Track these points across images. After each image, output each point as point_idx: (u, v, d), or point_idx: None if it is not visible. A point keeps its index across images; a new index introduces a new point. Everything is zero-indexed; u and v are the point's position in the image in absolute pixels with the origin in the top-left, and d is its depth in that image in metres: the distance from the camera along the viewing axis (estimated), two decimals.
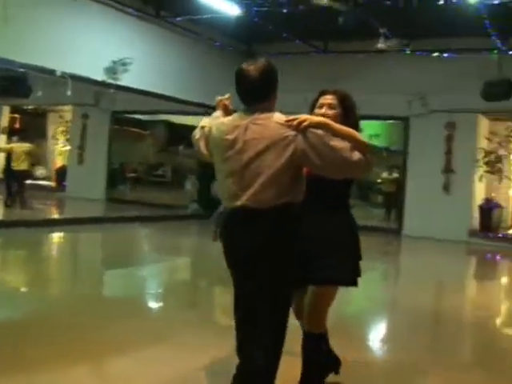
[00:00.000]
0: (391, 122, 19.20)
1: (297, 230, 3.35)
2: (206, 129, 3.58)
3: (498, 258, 13.50)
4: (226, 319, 6.48)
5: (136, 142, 21.24)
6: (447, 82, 14.01)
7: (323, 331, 3.92)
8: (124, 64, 12.45)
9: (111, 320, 5.92)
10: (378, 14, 11.86)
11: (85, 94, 16.44)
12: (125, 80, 12.70)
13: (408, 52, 14.00)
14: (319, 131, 3.20)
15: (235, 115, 3.40)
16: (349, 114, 3.77)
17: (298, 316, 3.95)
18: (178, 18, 13.57)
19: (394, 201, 16.60)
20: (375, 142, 24.27)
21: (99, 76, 12.32)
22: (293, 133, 3.17)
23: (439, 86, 14.11)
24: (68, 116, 20.98)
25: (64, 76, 11.44)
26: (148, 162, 21.60)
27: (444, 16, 12.00)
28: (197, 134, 3.70)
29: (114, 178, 19.39)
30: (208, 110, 16.14)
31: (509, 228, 15.69)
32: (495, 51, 13.23)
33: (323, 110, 3.76)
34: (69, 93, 11.58)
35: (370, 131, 23.41)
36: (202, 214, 16.20)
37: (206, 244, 12.27)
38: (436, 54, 14.06)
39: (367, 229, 16.15)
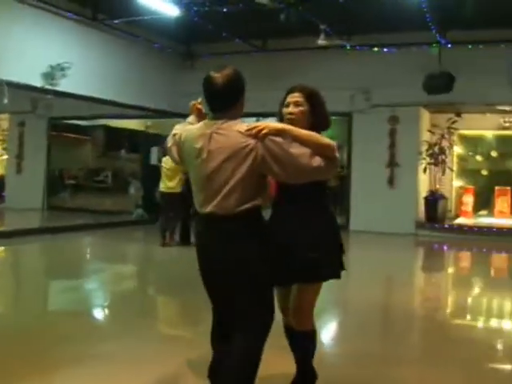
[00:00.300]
0: (334, 118, 19.22)
1: (264, 232, 3.49)
2: (177, 136, 3.64)
3: (445, 248, 13.67)
4: (174, 330, 6.38)
5: (75, 147, 20.72)
6: (389, 76, 14.09)
7: (313, 328, 3.92)
8: (62, 69, 12.07)
9: (52, 336, 5.66)
10: (318, 11, 11.81)
11: (21, 101, 15.92)
12: (63, 85, 12.32)
13: (348, 48, 14.01)
14: (278, 138, 3.27)
15: (202, 123, 3.51)
16: (316, 110, 3.75)
17: (285, 314, 3.94)
18: (116, 21, 13.25)
19: (340, 196, 16.65)
20: None
21: (37, 82, 11.92)
22: (253, 141, 3.25)
23: (381, 80, 14.18)
24: (4, 124, 20.34)
25: (0, 83, 11.03)
26: (88, 168, 21.11)
27: (384, 10, 12.05)
28: (169, 141, 3.75)
29: (54, 185, 18.89)
30: (148, 112, 15.96)
31: (454, 218, 15.91)
32: (435, 45, 13.37)
33: (290, 109, 3.74)
34: (5, 101, 11.19)
35: None
36: (147, 220, 15.95)
37: (153, 250, 12.07)
38: (376, 49, 14.14)
39: None
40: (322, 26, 12.27)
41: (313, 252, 3.67)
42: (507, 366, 5.37)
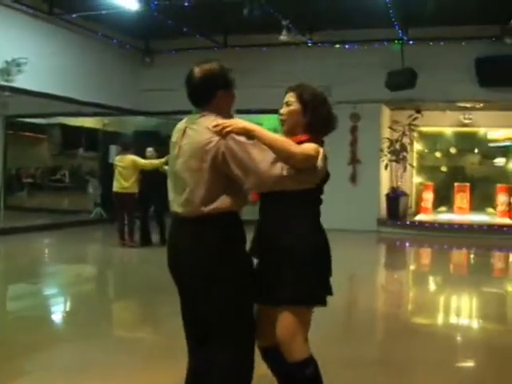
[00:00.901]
0: None
1: (236, 239, 3.20)
2: None
3: (407, 245, 13.73)
4: (133, 335, 6.20)
5: (32, 146, 20.37)
6: (351, 73, 14.05)
7: (308, 356, 3.29)
8: (18, 65, 11.73)
9: (5, 345, 5.38)
10: (280, 6, 11.71)
11: None
12: (19, 82, 11.98)
13: (310, 44, 13.95)
14: (242, 138, 3.04)
15: (185, 118, 3.33)
16: (308, 110, 3.36)
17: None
18: (74, 15, 12.90)
19: None
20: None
21: None
22: (217, 138, 3.05)
23: (343, 77, 14.13)
24: None
25: None
26: (45, 167, 20.75)
27: (346, 7, 12.05)
28: None
29: (11, 184, 18.49)
30: (106, 110, 15.67)
31: (414, 215, 16.00)
32: (398, 41, 13.39)
33: (281, 109, 3.47)
34: None
35: (269, 125, 23.55)
36: (106, 219, 15.68)
37: (112, 251, 11.79)
38: (338, 46, 14.12)
39: None
40: (284, 22, 12.19)
41: (289, 269, 3.22)
42: (470, 364, 5.36)
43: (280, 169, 2.98)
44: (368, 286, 8.98)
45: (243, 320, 3.18)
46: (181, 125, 3.27)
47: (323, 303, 3.32)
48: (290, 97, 3.41)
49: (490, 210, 16.54)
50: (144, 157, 11.58)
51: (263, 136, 3.05)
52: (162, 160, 11.04)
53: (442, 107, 15.36)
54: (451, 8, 11.90)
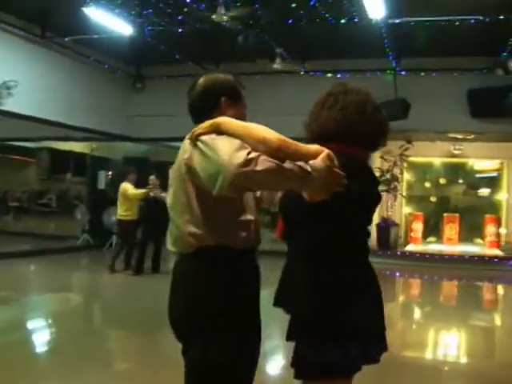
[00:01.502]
0: None
1: (229, 285, 2.57)
2: None
3: (397, 275, 13.62)
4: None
5: (20, 169, 20.25)
6: None
7: None
8: (8, 87, 11.63)
9: None
10: (274, 35, 11.71)
11: None
12: (9, 105, 11.86)
13: (302, 73, 13.95)
14: (208, 136, 2.44)
15: None
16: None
17: None
18: (66, 39, 12.83)
19: None
20: None
21: None
22: (189, 147, 2.52)
23: None
24: None
25: None
26: (32, 191, 20.59)
27: (338, 37, 12.04)
28: None
29: None
30: (96, 135, 15.54)
31: (404, 245, 15.94)
32: (390, 71, 13.43)
33: None
34: None
35: None
36: (94, 245, 15.49)
37: (100, 278, 11.57)
38: (330, 75, 14.12)
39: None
40: (278, 50, 12.18)
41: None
42: None
43: (244, 155, 2.22)
44: None
45: None
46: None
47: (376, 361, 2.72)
48: None
49: (479, 240, 16.54)
50: (147, 184, 11.61)
51: (231, 125, 2.46)
52: (143, 191, 11.37)
53: (433, 138, 15.39)
54: (444, 40, 11.95)
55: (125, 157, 16.82)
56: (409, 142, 14.92)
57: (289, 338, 2.60)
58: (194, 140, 2.47)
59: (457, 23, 10.70)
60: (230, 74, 2.95)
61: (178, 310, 2.64)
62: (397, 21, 10.57)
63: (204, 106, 2.79)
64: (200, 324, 2.54)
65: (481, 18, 10.39)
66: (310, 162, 2.32)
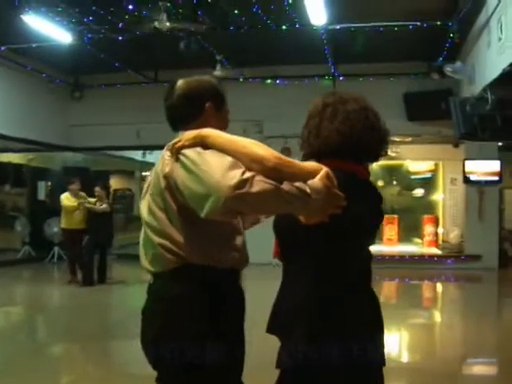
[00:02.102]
0: None
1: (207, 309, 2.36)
2: None
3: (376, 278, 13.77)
4: None
5: None
6: (282, 108, 14.18)
7: None
8: None
9: None
10: (214, 41, 11.76)
11: None
12: None
13: (242, 80, 14.04)
14: (193, 150, 2.21)
15: None
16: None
17: None
18: (2, 48, 12.58)
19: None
20: None
21: None
22: (170, 160, 2.31)
23: (275, 112, 14.25)
24: None
25: None
26: None
27: (277, 43, 12.15)
28: None
29: None
30: (34, 145, 15.28)
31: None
32: (329, 77, 13.64)
33: None
34: None
35: None
36: (36, 257, 15.22)
37: (45, 291, 11.34)
38: (269, 81, 14.27)
39: None
40: (219, 57, 12.23)
41: None
42: None
43: (238, 175, 1.99)
44: None
45: None
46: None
47: None
48: None
49: (418, 240, 16.92)
50: (92, 194, 11.66)
51: (220, 139, 2.22)
52: (75, 203, 11.41)
53: None
54: (382, 45, 12.22)
55: (65, 167, 16.59)
56: None
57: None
58: (176, 153, 2.25)
59: (395, 29, 10.95)
60: (211, 76, 2.82)
61: (155, 335, 2.39)
62: (337, 27, 10.74)
63: (186, 113, 2.57)
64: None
65: (418, 23, 10.68)
66: (309, 182, 2.09)
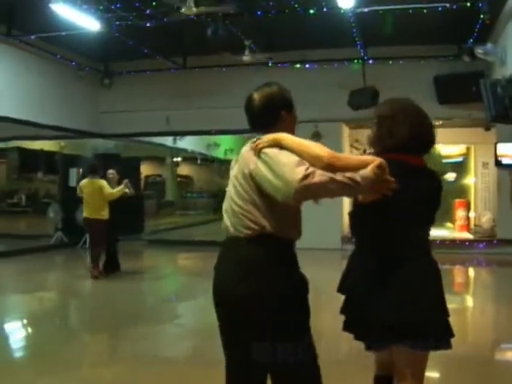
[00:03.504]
0: (248, 135, 19.31)
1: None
2: None
3: None
4: None
5: None
6: (312, 92, 14.11)
7: None
8: None
9: None
10: (242, 27, 11.73)
11: None
12: None
13: (271, 64, 14.01)
14: (271, 150, 2.87)
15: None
16: (387, 131, 3.28)
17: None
18: (32, 37, 12.72)
19: None
20: (230, 156, 24.54)
21: None
22: (254, 158, 2.96)
23: (304, 96, 14.14)
24: None
25: None
26: (2, 191, 20.41)
27: (307, 27, 12.10)
28: None
29: None
30: (65, 133, 15.46)
31: None
32: (358, 60, 13.53)
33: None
34: None
35: (227, 146, 23.59)
36: (68, 243, 15.43)
37: (76, 278, 11.36)
38: (298, 66, 14.22)
39: None
40: (247, 42, 12.20)
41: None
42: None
43: (302, 171, 2.66)
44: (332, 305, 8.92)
45: None
46: (244, 148, 3.15)
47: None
48: (374, 119, 3.41)
49: (449, 224, 16.80)
50: (105, 179, 11.00)
51: (291, 142, 2.89)
52: (121, 187, 10.75)
53: None
54: (411, 28, 12.09)
55: (96, 153, 16.76)
56: None
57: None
58: (258, 152, 2.91)
59: (424, 11, 10.82)
60: (277, 83, 3.35)
61: (248, 294, 2.89)
62: (365, 10, 10.65)
63: (267, 122, 3.14)
64: (273, 308, 2.89)
65: (447, 5, 10.53)
66: (361, 171, 2.77)
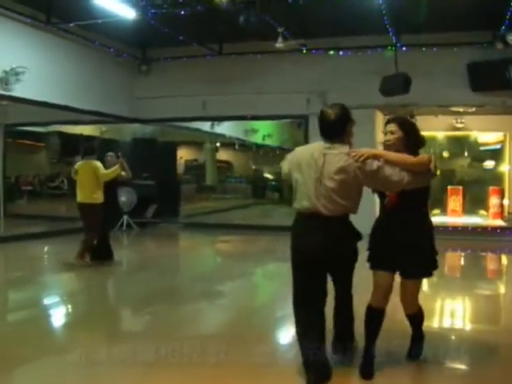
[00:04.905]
0: (285, 121, 19.54)
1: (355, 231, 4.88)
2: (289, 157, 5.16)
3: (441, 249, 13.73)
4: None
5: (30, 154, 20.55)
6: (345, 79, 14.21)
7: (419, 309, 5.17)
8: (16, 74, 11.93)
9: None
10: (275, 14, 11.86)
11: None
12: (18, 90, 12.16)
13: (305, 51, 14.12)
14: (375, 163, 4.52)
15: (318, 143, 4.77)
16: (408, 135, 4.84)
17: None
18: (71, 24, 13.07)
19: None
20: (268, 142, 24.68)
21: None
22: (353, 162, 4.52)
23: (337, 83, 14.27)
24: None
25: None
26: (44, 174, 20.89)
27: (339, 14, 12.18)
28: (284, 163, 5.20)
29: (11, 192, 18.59)
30: (104, 118, 15.80)
31: None
32: (391, 47, 13.55)
33: (386, 137, 4.87)
34: None
35: (264, 131, 23.72)
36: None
37: (117, 256, 11.63)
38: (332, 52, 14.31)
39: (272, 229, 16.26)
40: (280, 29, 12.32)
41: (415, 254, 4.80)
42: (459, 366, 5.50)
43: (404, 175, 4.54)
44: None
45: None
46: (315, 149, 4.70)
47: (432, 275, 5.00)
48: (393, 127, 4.84)
49: (483, 212, 16.75)
50: (103, 162, 10.53)
51: (388, 156, 4.61)
52: (116, 168, 10.35)
53: (435, 112, 15.53)
54: (443, 14, 12.05)
55: (133, 138, 17.10)
56: (411, 116, 15.00)
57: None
58: (361, 162, 4.49)
59: None
60: (343, 105, 4.70)
61: (341, 251, 4.73)
62: None
63: (337, 133, 4.64)
64: (355, 252, 4.85)
65: None
66: (431, 167, 4.64)
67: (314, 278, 4.75)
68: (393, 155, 4.59)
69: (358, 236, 4.78)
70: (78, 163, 10.39)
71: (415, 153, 4.73)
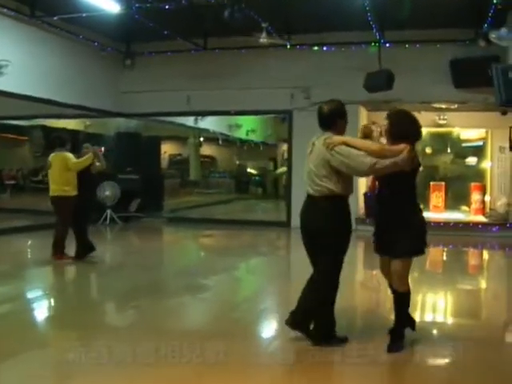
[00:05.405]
0: (269, 116, 19.59)
1: (339, 210, 5.43)
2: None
3: None
4: None
5: (14, 148, 20.46)
6: (329, 74, 14.28)
7: (407, 290, 5.44)
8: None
9: None
10: (259, 9, 11.89)
11: None
12: (1, 84, 12.09)
13: (289, 47, 14.17)
14: (343, 147, 5.14)
15: (318, 134, 5.48)
16: (391, 125, 5.30)
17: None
18: (55, 18, 13.01)
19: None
20: (252, 137, 24.73)
21: None
22: (327, 152, 5.22)
23: (321, 79, 14.35)
24: None
25: None
26: (27, 168, 20.81)
27: (323, 10, 12.25)
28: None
29: None
30: (88, 112, 15.76)
31: None
32: (375, 44, 13.62)
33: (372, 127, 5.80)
34: None
35: (248, 127, 23.76)
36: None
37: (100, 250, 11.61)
38: (316, 48, 14.36)
39: (255, 223, 16.34)
40: (264, 24, 12.35)
41: (402, 233, 5.21)
42: (443, 361, 5.56)
43: (370, 158, 5.05)
44: (349, 285, 9.10)
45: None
46: (314, 139, 5.44)
47: (423, 253, 5.43)
48: (385, 118, 5.38)
49: (465, 208, 16.88)
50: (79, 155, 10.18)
51: (354, 142, 5.19)
52: (88, 156, 9.99)
53: (418, 108, 15.57)
54: (427, 11, 12.17)
55: (117, 132, 17.07)
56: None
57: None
58: (331, 149, 5.15)
59: None
60: (338, 100, 5.54)
61: (319, 227, 5.31)
62: None
63: (329, 124, 5.41)
64: (335, 233, 5.31)
65: None
66: (400, 156, 5.04)
67: (309, 252, 5.54)
68: (358, 142, 5.24)
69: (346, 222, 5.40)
70: (51, 155, 10.13)
71: (397, 142, 5.11)
